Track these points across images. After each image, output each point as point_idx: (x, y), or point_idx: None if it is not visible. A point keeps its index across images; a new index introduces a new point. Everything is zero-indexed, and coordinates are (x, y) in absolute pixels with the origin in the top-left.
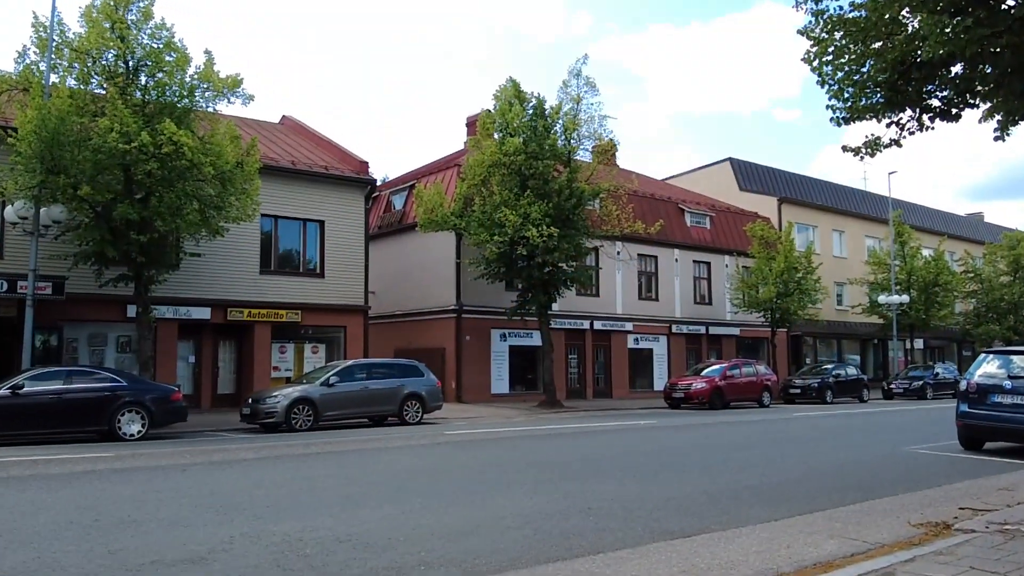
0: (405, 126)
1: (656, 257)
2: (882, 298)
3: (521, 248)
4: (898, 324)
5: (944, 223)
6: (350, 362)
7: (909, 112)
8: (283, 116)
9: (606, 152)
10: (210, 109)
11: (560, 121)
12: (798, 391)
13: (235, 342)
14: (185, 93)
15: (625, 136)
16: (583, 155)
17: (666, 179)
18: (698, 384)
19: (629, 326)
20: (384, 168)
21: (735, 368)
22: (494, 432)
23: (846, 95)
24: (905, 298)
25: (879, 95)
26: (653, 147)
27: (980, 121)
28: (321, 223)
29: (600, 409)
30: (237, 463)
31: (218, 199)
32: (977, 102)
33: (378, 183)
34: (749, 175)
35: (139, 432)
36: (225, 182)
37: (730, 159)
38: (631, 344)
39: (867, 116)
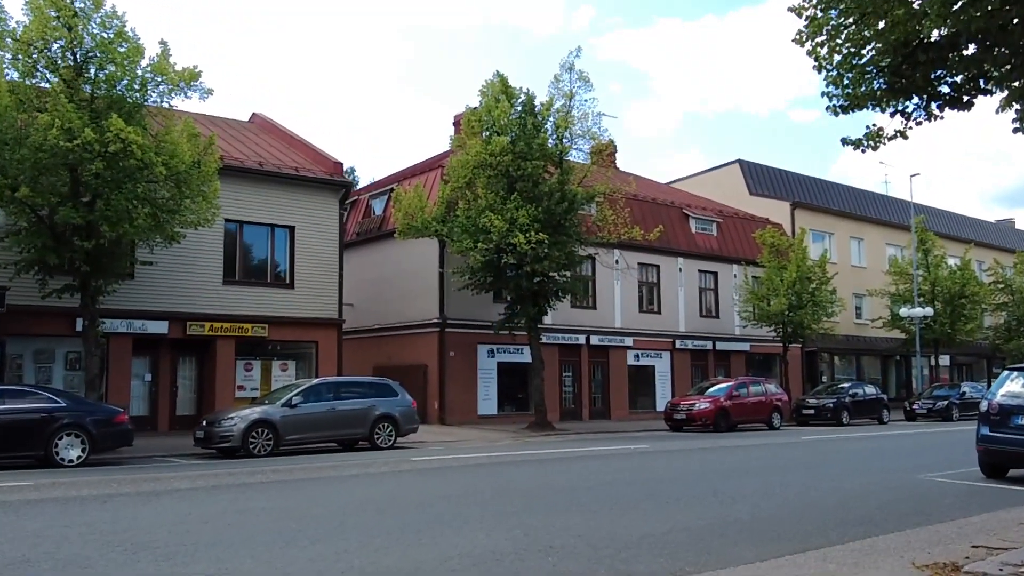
0: (397, 125)
1: (658, 266)
2: (904, 311)
3: (508, 256)
4: (922, 339)
5: (971, 230)
6: (315, 381)
7: (916, 100)
8: (253, 114)
9: (602, 153)
10: (165, 104)
11: (551, 119)
12: (812, 412)
13: (196, 359)
14: (137, 87)
15: (631, 138)
16: (576, 155)
17: (670, 183)
18: (701, 404)
19: (629, 341)
20: (373, 171)
21: (742, 387)
22: (469, 458)
23: (845, 81)
24: (929, 311)
25: (881, 81)
26: (661, 149)
27: (997, 111)
28: (291, 229)
29: (594, 432)
30: (168, 493)
31: (172, 202)
32: (991, 87)
33: (357, 186)
34: (760, 178)
35: (79, 457)
36: (180, 183)
37: (739, 161)
38: (631, 361)
39: (868, 105)
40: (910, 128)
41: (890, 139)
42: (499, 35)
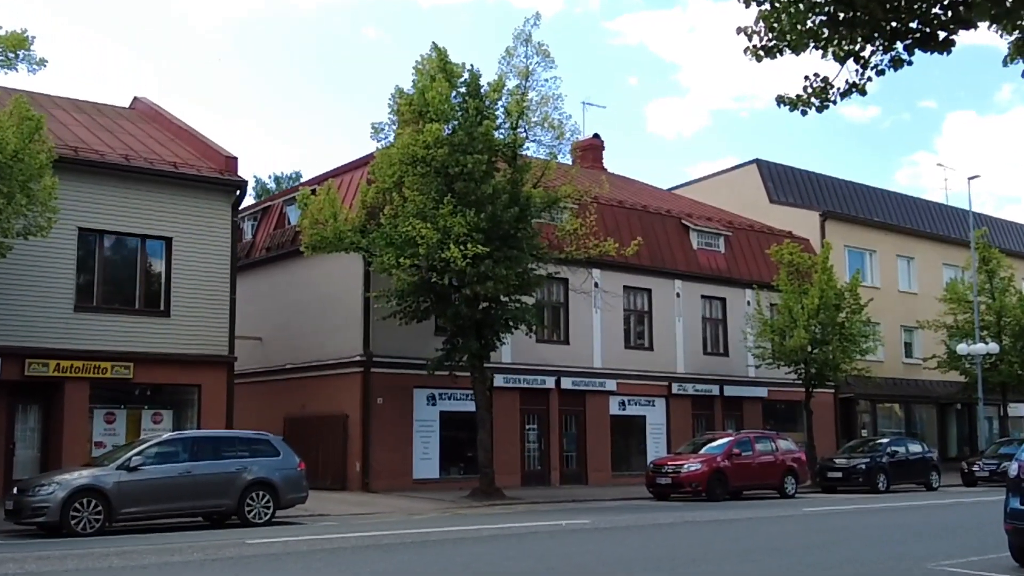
0: (360, 121)
1: (649, 291)
2: (961, 348)
3: (439, 276)
4: (985, 383)
5: None
6: (166, 436)
7: (879, 40)
8: (135, 99)
9: (577, 148)
10: None
11: (502, 102)
12: (839, 475)
13: (39, 407)
14: None
15: (650, 140)
16: (536, 150)
17: (672, 189)
18: (691, 466)
19: (612, 385)
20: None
21: (744, 444)
22: (343, 539)
23: (783, 18)
24: (994, 347)
25: (824, 14)
26: (686, 154)
27: (1005, 63)
28: (167, 241)
29: (555, 501)
30: None
31: None
32: (972, 16)
33: (268, 189)
34: (782, 182)
35: None
36: None
37: (756, 161)
38: (615, 410)
39: (808, 45)
40: (868, 80)
41: (843, 94)
42: (491, 16)
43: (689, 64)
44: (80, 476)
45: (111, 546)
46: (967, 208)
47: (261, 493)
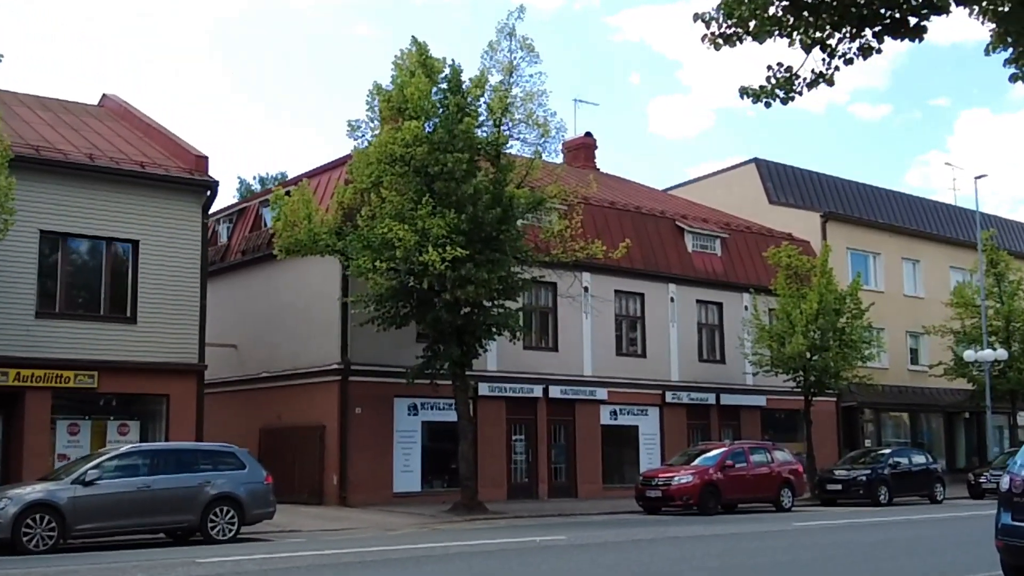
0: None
1: (642, 295)
2: (968, 354)
3: (418, 280)
4: (994, 390)
5: None
6: (124, 448)
7: (847, 27)
8: (103, 96)
9: (562, 146)
10: None
11: (484, 99)
12: (839, 487)
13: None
14: None
15: (652, 139)
16: (521, 148)
17: (668, 189)
18: (682, 478)
19: (602, 393)
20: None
21: (739, 455)
22: (302, 559)
23: (744, 4)
24: (1002, 353)
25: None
26: (691, 153)
27: (987, 52)
28: (134, 244)
29: (540, 515)
30: None
31: None
32: (948, 2)
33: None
34: (782, 182)
35: None
36: None
37: (755, 160)
38: (606, 419)
39: (772, 34)
40: (836, 70)
41: (810, 85)
42: (489, 12)
43: (692, 61)
44: (33, 491)
45: (55, 565)
46: (975, 208)
47: (225, 508)
